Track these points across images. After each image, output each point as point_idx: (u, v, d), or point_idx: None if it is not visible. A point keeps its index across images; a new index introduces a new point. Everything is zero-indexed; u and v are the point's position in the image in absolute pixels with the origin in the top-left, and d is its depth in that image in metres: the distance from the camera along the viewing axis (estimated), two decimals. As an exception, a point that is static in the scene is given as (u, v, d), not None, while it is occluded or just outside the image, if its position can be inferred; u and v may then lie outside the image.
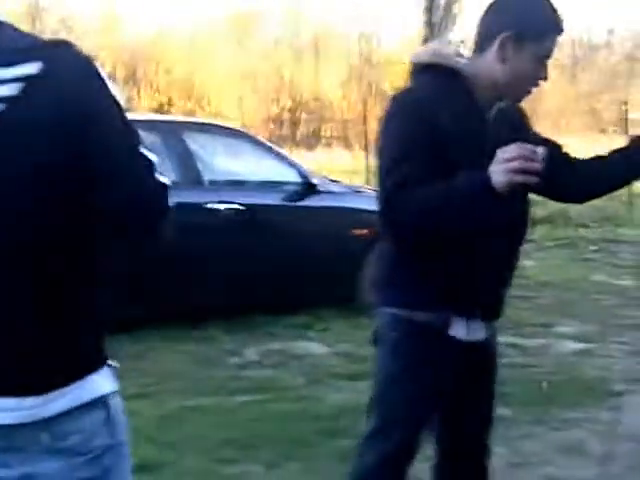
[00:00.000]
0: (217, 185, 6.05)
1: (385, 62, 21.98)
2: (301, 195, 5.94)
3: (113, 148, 1.34)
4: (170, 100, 14.43)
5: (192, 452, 3.47)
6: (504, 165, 1.81)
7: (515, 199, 1.98)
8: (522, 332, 5.47)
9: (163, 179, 1.39)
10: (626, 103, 12.93)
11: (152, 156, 1.38)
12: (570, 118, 23.78)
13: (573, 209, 10.19)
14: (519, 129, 2.09)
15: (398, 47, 22.97)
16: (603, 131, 22.06)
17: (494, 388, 2.26)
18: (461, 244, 2.05)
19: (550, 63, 2.05)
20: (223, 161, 6.90)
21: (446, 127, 1.96)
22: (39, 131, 1.29)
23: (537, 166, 1.80)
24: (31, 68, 1.30)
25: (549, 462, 3.43)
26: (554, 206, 8.08)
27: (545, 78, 2.05)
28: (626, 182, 2.28)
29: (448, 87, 2.04)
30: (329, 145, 19.56)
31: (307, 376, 4.58)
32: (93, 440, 1.41)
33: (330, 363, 4.85)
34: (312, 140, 17.79)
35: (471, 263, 2.06)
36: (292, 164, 6.29)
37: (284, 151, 7.51)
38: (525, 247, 8.04)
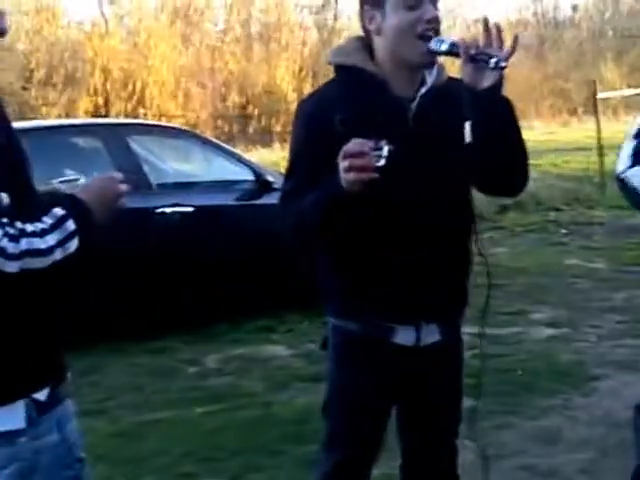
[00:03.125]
0: (166, 188, 6.06)
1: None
2: (255, 193, 5.96)
3: None
4: (107, 101, 14.34)
5: (151, 469, 3.48)
6: (340, 165, 1.85)
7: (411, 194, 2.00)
8: (495, 321, 5.54)
9: None
10: (595, 82, 13.11)
11: None
12: (540, 100, 24.05)
13: (544, 192, 10.33)
14: (460, 105, 2.03)
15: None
16: (574, 112, 22.36)
17: (459, 386, 2.27)
18: (373, 252, 2.06)
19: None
20: (171, 163, 6.90)
21: (342, 131, 1.96)
22: None
23: (366, 162, 1.81)
24: None
25: (524, 452, 3.49)
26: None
27: (432, 16, 1.99)
28: (496, 137, 2.00)
29: (353, 87, 2.06)
30: (285, 140, 19.57)
31: (271, 380, 4.60)
32: None
33: (295, 365, 4.88)
34: (267, 136, 17.80)
35: (393, 270, 2.07)
36: (244, 162, 6.31)
37: (236, 149, 7.53)
38: (495, 234, 8.10)
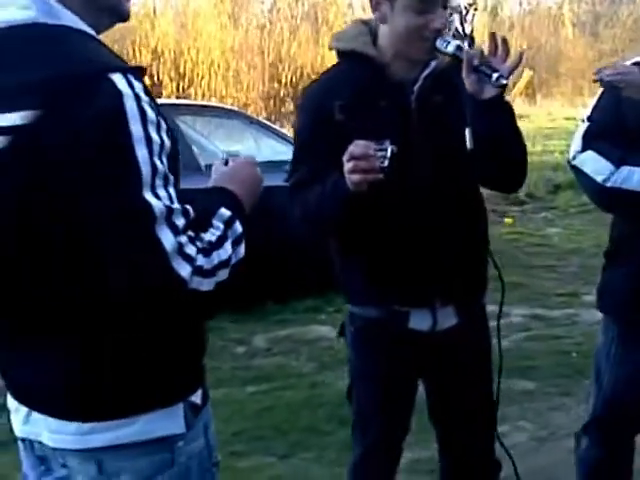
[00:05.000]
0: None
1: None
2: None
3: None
4: (160, 82, 14.47)
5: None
6: (345, 167, 1.85)
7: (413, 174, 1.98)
8: (548, 303, 5.48)
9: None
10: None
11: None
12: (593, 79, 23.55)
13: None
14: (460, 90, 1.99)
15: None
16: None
17: (485, 368, 2.25)
18: (379, 236, 2.06)
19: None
20: (220, 144, 6.92)
21: (341, 118, 1.99)
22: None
23: (371, 164, 1.81)
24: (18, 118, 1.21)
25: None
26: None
27: (439, 28, 1.96)
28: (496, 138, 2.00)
29: (354, 72, 2.05)
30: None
31: (318, 361, 4.62)
32: None
33: (342, 346, 4.86)
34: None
35: (400, 253, 2.05)
36: (293, 142, 6.28)
37: (284, 130, 7.52)
38: (548, 215, 8.00)
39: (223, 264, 1.30)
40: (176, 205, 1.26)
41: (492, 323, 5.06)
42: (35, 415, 1.41)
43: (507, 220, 8.38)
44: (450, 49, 1.93)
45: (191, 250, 1.25)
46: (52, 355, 1.35)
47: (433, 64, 2.05)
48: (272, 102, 16.00)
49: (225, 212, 1.36)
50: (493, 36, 1.89)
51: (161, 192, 1.24)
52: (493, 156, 1.97)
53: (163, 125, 1.28)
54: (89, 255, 1.25)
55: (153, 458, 1.37)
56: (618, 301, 2.30)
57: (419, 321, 2.10)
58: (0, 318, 1.37)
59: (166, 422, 1.37)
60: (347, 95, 2.02)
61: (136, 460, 1.36)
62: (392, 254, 2.06)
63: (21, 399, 1.43)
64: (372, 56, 2.04)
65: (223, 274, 1.29)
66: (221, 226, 1.34)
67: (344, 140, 1.87)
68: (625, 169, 2.17)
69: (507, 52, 1.87)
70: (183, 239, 1.25)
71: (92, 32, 1.32)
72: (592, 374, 2.43)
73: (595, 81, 2.18)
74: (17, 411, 1.46)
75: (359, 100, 2.00)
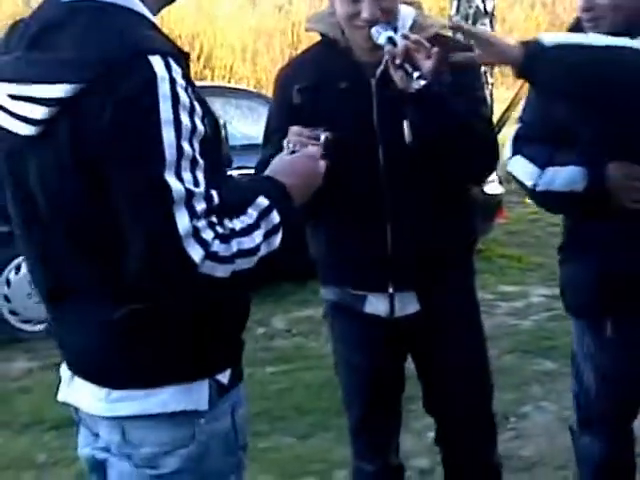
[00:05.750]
0: (234, 150, 6.05)
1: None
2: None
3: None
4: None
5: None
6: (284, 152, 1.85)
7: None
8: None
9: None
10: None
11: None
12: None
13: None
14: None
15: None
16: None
17: (474, 353, 2.20)
18: (334, 219, 2.07)
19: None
20: (239, 125, 6.89)
21: (299, 102, 2.02)
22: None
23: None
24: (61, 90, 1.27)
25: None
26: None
27: (367, 18, 1.93)
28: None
29: (319, 55, 2.05)
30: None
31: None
32: (168, 456, 1.40)
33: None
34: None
35: (355, 236, 2.04)
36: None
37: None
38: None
39: (245, 253, 1.30)
40: (200, 190, 1.27)
41: (515, 304, 5.00)
42: (77, 380, 1.48)
43: (526, 200, 8.32)
44: (381, 41, 1.91)
45: (207, 235, 1.27)
46: (89, 321, 1.40)
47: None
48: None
49: (263, 201, 1.37)
50: (412, 38, 1.88)
51: (186, 175, 1.26)
52: (434, 149, 1.94)
53: (198, 110, 1.30)
54: (114, 230, 1.29)
55: (175, 432, 1.40)
56: (581, 301, 2.18)
57: (375, 306, 2.10)
58: (48, 284, 1.44)
59: (189, 397, 1.39)
60: (310, 78, 2.04)
61: (158, 432, 1.39)
62: (347, 237, 2.06)
63: (67, 364, 1.51)
64: (336, 39, 2.04)
65: (244, 263, 1.30)
66: (255, 215, 1.35)
67: (302, 123, 1.87)
68: (550, 171, 2.07)
69: (429, 52, 1.84)
70: (200, 223, 1.26)
71: (149, 14, 1.38)
72: (572, 369, 2.34)
73: (451, 27, 2.14)
74: (66, 378, 1.53)
75: (320, 82, 2.01)
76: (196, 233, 1.25)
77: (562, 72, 1.82)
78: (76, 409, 1.52)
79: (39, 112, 1.30)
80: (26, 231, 1.44)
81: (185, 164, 1.26)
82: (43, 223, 1.38)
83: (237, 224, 1.32)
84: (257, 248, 1.32)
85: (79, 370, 1.48)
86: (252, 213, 1.35)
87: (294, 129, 1.83)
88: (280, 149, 1.82)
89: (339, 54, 2.04)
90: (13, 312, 5.04)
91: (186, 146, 1.26)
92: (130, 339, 1.37)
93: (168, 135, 1.25)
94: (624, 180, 2.00)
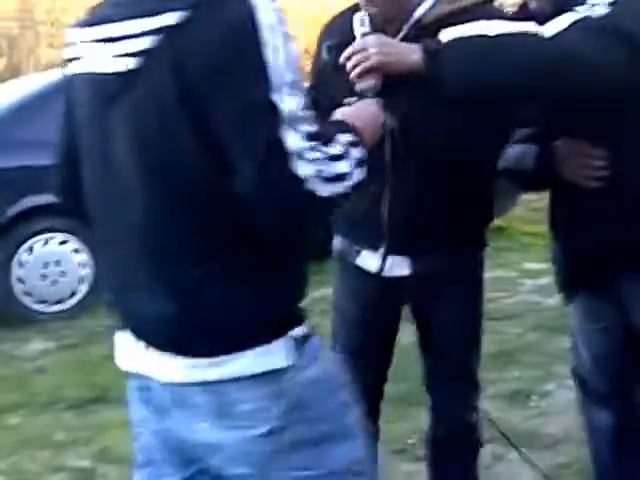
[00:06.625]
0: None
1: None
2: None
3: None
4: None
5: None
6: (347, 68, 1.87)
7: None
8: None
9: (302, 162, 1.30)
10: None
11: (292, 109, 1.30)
12: None
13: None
14: None
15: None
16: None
17: (466, 323, 2.22)
18: None
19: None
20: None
21: (326, 58, 2.09)
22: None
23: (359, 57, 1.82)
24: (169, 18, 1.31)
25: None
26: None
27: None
28: None
29: (348, 18, 2.05)
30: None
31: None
32: (263, 414, 1.42)
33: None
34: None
35: (362, 190, 2.03)
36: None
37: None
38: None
39: (342, 177, 1.36)
40: (302, 114, 1.33)
41: (539, 281, 4.92)
42: (152, 351, 1.48)
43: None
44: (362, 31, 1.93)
45: (312, 155, 1.32)
46: (165, 289, 1.42)
47: (416, 15, 2.01)
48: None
49: (349, 136, 1.42)
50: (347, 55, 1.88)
51: (290, 98, 1.31)
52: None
53: (292, 39, 1.35)
54: (220, 157, 1.32)
55: (263, 390, 1.42)
56: (558, 278, 2.23)
57: (365, 261, 2.17)
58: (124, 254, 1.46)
59: (267, 358, 1.42)
60: (337, 37, 2.09)
61: (251, 391, 1.41)
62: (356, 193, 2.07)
63: (139, 333, 1.50)
64: (363, 4, 2.07)
65: (339, 187, 1.36)
66: (346, 145, 1.40)
67: (328, 79, 2.00)
68: (508, 150, 2.12)
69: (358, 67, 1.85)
70: (307, 144, 1.31)
71: None
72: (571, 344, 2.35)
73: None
74: (133, 347, 1.52)
75: (344, 43, 2.00)
76: (303, 152, 1.30)
77: (468, 63, 1.79)
78: (141, 383, 1.52)
79: (141, 44, 1.33)
80: (110, 205, 1.45)
81: (288, 88, 1.31)
82: (129, 191, 1.39)
83: (332, 150, 1.36)
84: (350, 174, 1.38)
85: (156, 340, 1.47)
86: (343, 142, 1.39)
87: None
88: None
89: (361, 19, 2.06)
90: (28, 293, 5.05)
91: (288, 71, 1.31)
92: (209, 303, 1.40)
93: (273, 59, 1.29)
94: (572, 156, 1.99)
